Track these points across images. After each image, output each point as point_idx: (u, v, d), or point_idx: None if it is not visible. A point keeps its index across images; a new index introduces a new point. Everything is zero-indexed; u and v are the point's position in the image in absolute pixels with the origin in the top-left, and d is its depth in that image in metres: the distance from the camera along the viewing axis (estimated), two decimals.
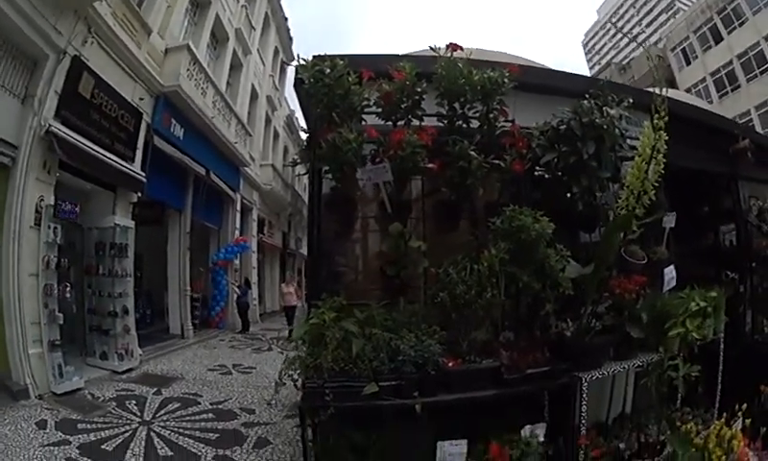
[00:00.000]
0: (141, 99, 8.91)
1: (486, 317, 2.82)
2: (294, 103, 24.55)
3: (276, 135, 21.29)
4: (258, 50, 17.33)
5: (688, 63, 34.30)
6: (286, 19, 21.14)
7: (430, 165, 2.96)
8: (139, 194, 8.74)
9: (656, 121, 2.76)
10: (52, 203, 6.45)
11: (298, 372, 2.65)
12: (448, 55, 3.03)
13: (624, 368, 3.03)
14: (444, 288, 2.77)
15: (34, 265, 6.05)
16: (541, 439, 2.81)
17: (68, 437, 4.69)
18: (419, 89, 3.10)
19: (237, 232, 14.78)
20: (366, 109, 3.20)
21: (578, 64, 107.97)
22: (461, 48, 3.09)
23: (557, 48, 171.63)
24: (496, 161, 3.01)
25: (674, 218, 3.71)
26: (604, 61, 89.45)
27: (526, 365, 2.71)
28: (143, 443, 4.72)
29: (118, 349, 7.57)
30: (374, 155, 2.99)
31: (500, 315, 2.87)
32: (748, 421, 3.80)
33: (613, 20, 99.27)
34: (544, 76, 3.60)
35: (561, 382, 2.86)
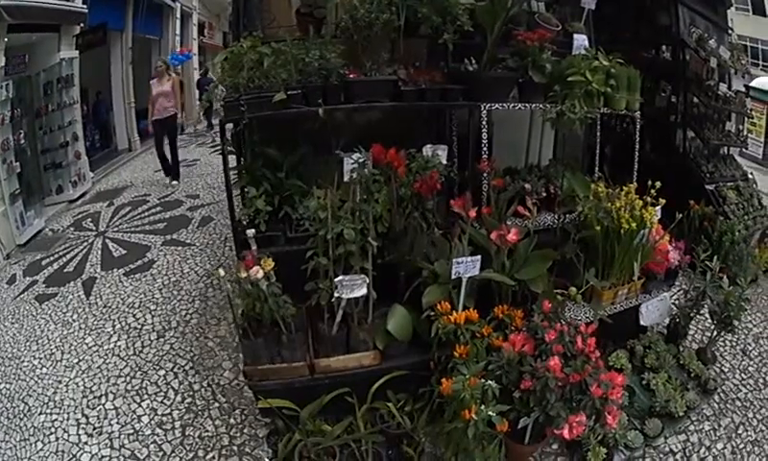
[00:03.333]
0: None
1: (384, 40, 2.97)
2: None
3: None
4: None
5: None
6: None
7: None
8: (81, 25, 8.56)
9: None
10: (3, 64, 6.40)
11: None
12: None
13: (525, 107, 3.22)
14: (348, 13, 2.93)
15: None
16: (444, 161, 3.03)
17: (35, 277, 4.94)
18: None
19: (178, 39, 14.64)
20: None
21: None
22: None
23: None
24: None
25: (594, 1, 3.79)
26: None
27: (422, 81, 2.90)
28: (99, 252, 5.08)
29: (72, 177, 7.82)
30: None
31: (396, 40, 3.02)
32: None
33: None
34: None
35: (462, 106, 3.05)
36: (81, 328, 3.90)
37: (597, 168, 3.78)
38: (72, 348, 3.66)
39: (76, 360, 3.52)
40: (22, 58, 6.95)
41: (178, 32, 14.68)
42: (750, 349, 3.74)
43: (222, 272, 2.71)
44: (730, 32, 8.70)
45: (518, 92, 3.26)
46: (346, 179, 2.73)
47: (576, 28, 3.73)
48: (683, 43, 5.33)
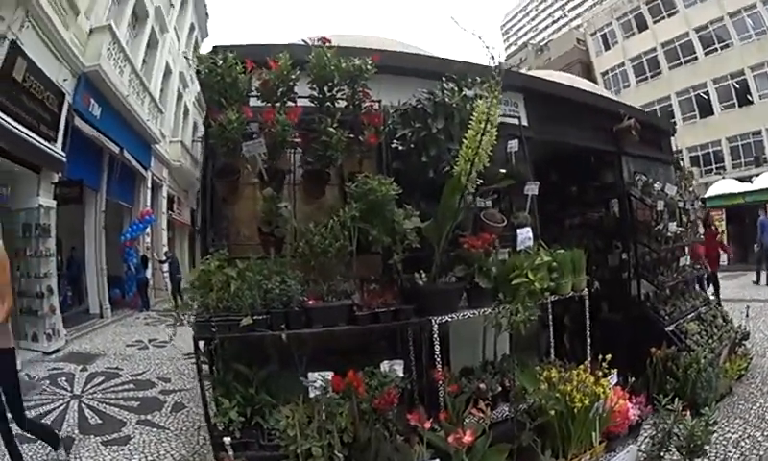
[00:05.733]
0: (65, 80, 9.16)
1: (338, 263, 3.23)
2: None
3: (187, 112, 21.82)
4: (175, 27, 17.97)
5: (607, 48, 35.88)
6: None
7: (297, 140, 3.46)
8: (60, 174, 8.98)
9: (487, 96, 3.21)
10: None
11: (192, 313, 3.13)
12: (320, 46, 3.53)
13: (474, 314, 3.43)
14: (304, 239, 3.20)
15: None
16: (400, 374, 3.17)
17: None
18: (293, 76, 3.58)
19: (148, 210, 15.01)
20: (250, 94, 3.66)
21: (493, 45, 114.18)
22: (329, 41, 3.61)
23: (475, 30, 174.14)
24: (352, 136, 3.49)
25: (536, 187, 4.16)
26: (521, 42, 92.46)
27: (376, 305, 3.10)
28: (76, 413, 5.18)
29: (46, 329, 7.94)
30: (252, 132, 3.45)
31: (350, 261, 3.29)
32: (635, 380, 4.21)
33: (535, 2, 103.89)
34: (407, 59, 4.11)
35: (414, 324, 3.25)
36: None
37: (553, 350, 3.96)
38: None
39: None
40: (5, 188, 7.35)
41: (148, 202, 15.34)
42: (730, 455, 3.78)
43: None
44: (678, 157, 9.47)
45: (468, 299, 3.49)
46: (311, 395, 2.93)
47: (521, 219, 4.06)
48: (629, 195, 5.76)
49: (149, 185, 15.40)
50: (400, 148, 3.61)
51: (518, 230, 3.87)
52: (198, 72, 3.73)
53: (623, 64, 33.99)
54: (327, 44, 3.58)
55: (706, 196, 17.80)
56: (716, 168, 27.83)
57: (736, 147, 27.44)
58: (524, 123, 4.28)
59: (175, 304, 12.77)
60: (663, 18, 31.01)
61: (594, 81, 35.62)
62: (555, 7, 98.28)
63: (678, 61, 30.20)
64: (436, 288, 3.32)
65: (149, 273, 14.03)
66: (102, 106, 10.98)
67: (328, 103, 3.58)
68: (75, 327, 9.81)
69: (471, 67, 3.87)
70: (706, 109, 28.78)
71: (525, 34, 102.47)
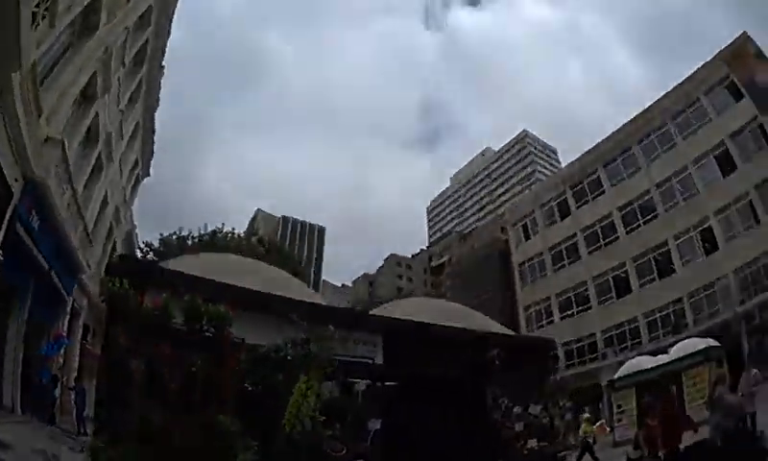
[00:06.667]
0: (16, 180, 8.82)
1: None
2: (137, 219, 26.10)
3: (115, 248, 21.49)
4: (120, 159, 18.22)
5: (528, 238, 37.02)
6: (153, 132, 22.58)
7: None
8: None
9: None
10: None
11: None
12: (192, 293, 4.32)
13: None
14: None
15: None
16: None
17: None
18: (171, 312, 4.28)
19: (65, 334, 14.47)
20: None
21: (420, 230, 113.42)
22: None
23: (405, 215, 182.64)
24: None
25: (379, 422, 4.76)
26: (446, 229, 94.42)
27: None
28: None
29: None
30: None
31: None
32: None
33: (464, 190, 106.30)
34: (275, 301, 4.89)
35: None
36: None
37: None
38: None
39: None
40: None
41: (65, 326, 15.15)
42: None
43: None
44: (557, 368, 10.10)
45: None
46: None
47: (362, 448, 4.57)
48: (493, 418, 6.35)
49: (68, 310, 15.03)
50: (249, 389, 4.21)
51: None
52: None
53: (542, 254, 35.36)
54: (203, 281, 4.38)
55: (616, 377, 17.40)
56: (631, 344, 28.21)
57: (654, 320, 27.75)
58: (379, 361, 5.01)
59: (77, 432, 11.98)
60: (588, 201, 33.06)
61: (511, 272, 37.26)
62: (483, 194, 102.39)
63: (597, 244, 31.83)
64: None
65: (57, 392, 13.21)
66: (41, 219, 10.58)
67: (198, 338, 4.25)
68: None
69: (335, 312, 4.70)
70: (623, 288, 29.78)
71: (451, 220, 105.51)
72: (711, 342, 16.52)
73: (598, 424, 13.93)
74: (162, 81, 21.58)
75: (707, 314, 25.52)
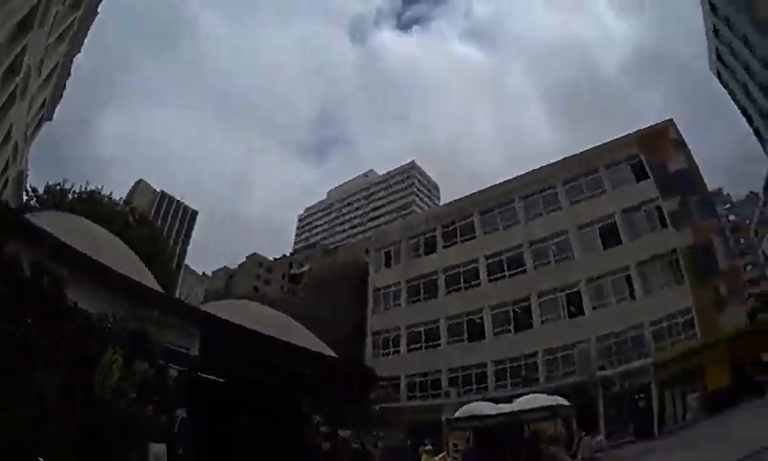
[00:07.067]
0: None
1: None
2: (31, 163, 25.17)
3: (6, 185, 20.60)
4: (32, 97, 17.41)
5: (388, 266, 35.67)
6: (68, 77, 22.00)
7: None
8: None
9: None
10: None
11: None
12: None
13: None
14: None
15: None
16: None
17: None
18: None
19: None
20: None
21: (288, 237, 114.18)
22: None
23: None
24: None
25: (185, 411, 5.24)
26: (313, 240, 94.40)
27: None
28: None
29: None
30: None
31: None
32: None
33: (339, 205, 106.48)
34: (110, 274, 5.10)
35: None
36: None
37: None
38: None
39: None
40: None
41: None
42: None
43: None
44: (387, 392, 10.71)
45: None
46: None
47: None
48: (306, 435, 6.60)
49: None
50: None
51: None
52: None
53: (399, 284, 34.28)
54: None
55: (454, 416, 17.45)
56: (477, 388, 28.07)
57: (504, 368, 27.68)
58: (195, 353, 5.53)
59: None
60: (456, 243, 32.61)
61: (367, 295, 35.71)
62: (357, 213, 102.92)
63: (458, 286, 31.57)
64: None
65: None
66: None
67: None
68: None
69: (159, 297, 5.11)
70: (476, 333, 29.75)
71: (320, 232, 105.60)
72: (560, 400, 16.30)
73: (440, 455, 14.78)
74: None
75: (561, 373, 25.74)
